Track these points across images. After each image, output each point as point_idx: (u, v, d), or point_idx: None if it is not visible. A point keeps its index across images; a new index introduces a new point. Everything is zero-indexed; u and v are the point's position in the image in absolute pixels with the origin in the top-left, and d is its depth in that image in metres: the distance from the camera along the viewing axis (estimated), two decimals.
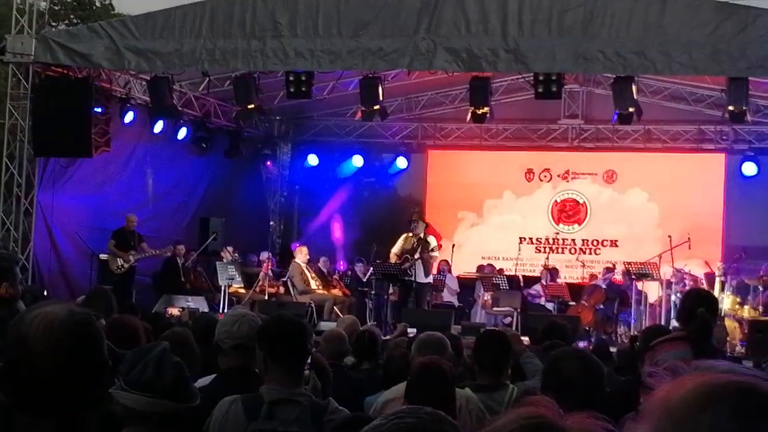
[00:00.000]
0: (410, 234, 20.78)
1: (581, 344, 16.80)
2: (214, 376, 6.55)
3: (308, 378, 5.56)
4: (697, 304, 7.11)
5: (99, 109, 19.65)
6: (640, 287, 21.04)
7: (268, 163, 26.69)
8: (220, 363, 6.17)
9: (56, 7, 39.84)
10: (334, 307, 21.18)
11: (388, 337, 13.78)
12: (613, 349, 14.31)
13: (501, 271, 23.59)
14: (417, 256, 20.37)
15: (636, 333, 19.44)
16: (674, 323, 17.67)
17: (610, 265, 23.86)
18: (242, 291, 21.90)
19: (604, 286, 22.30)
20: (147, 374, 4.19)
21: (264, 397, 4.98)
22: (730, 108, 18.73)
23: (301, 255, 22.61)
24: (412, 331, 14.43)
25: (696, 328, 6.88)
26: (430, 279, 21.18)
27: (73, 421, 2.73)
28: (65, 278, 20.76)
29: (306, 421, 4.84)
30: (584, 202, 25.89)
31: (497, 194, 26.26)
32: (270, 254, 23.84)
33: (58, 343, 2.72)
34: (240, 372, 5.72)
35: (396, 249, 20.91)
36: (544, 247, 25.58)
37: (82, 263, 20.91)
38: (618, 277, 22.97)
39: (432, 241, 20.85)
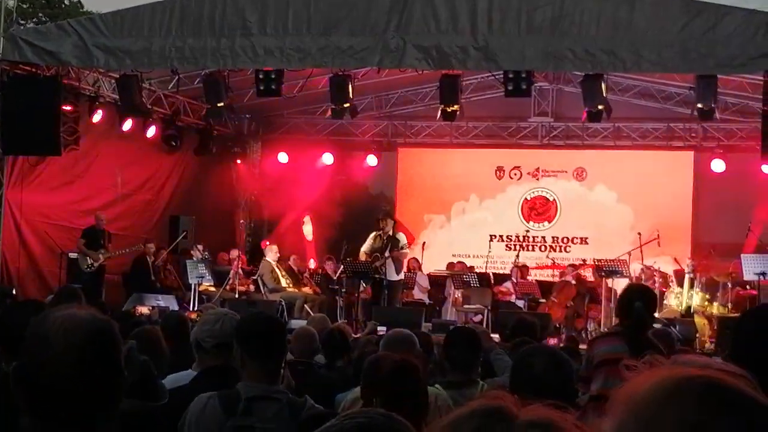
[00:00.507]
0: (379, 232, 20.76)
1: (551, 341, 16.88)
2: (188, 372, 6.56)
3: (282, 376, 5.56)
4: (634, 299, 7.17)
5: (68, 107, 19.59)
6: (609, 284, 21.11)
7: (238, 161, 26.63)
8: (199, 362, 6.16)
9: (24, 5, 39.70)
10: (305, 305, 21.17)
11: (358, 335, 13.79)
12: (583, 346, 14.35)
13: (471, 268, 23.62)
14: (387, 254, 20.36)
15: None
16: None
17: (578, 262, 23.94)
18: (212, 289, 21.87)
19: (573, 282, 22.36)
20: None
21: (241, 393, 4.97)
22: (699, 105, 18.80)
23: (272, 253, 22.58)
24: (381, 329, 14.43)
25: (632, 323, 6.95)
26: (401, 276, 21.18)
27: (79, 425, 2.71)
28: (34, 277, 20.68)
29: (284, 418, 4.84)
30: (554, 199, 25.95)
31: (467, 193, 26.28)
32: (240, 252, 23.81)
33: (79, 349, 2.69)
34: (221, 370, 5.72)
35: (365, 248, 20.88)
36: (515, 245, 25.62)
37: (52, 262, 20.84)
38: (587, 274, 23.04)
39: (402, 238, 20.83)
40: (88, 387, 2.68)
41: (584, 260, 23.79)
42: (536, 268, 25.12)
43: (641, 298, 7.21)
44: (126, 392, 4.14)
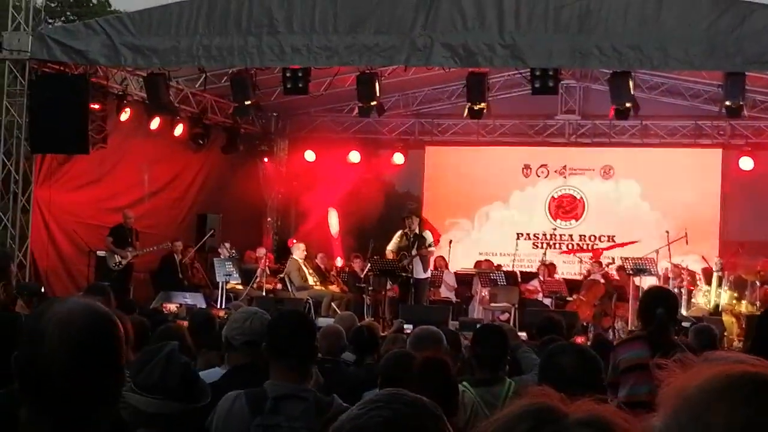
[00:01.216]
0: (406, 230, 20.74)
1: (579, 339, 16.82)
2: (215, 370, 6.58)
3: (310, 374, 5.56)
4: (657, 304, 7.15)
5: (96, 106, 19.66)
6: (637, 282, 21.04)
7: (265, 159, 26.67)
8: (228, 359, 6.17)
9: (53, 4, 39.89)
10: (332, 304, 21.17)
11: (384, 333, 13.78)
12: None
13: (499, 266, 23.59)
14: (414, 252, 20.34)
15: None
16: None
17: (608, 260, 23.87)
18: (240, 287, 21.91)
19: (602, 281, 22.28)
20: (155, 376, 4.18)
21: (268, 392, 4.97)
22: (727, 103, 18.75)
23: (299, 251, 22.61)
24: (408, 327, 14.42)
25: (654, 329, 6.93)
26: (428, 274, 21.16)
27: (74, 421, 2.70)
28: (63, 275, 20.76)
29: (311, 417, 4.83)
30: (581, 197, 25.89)
31: (494, 192, 26.22)
32: (267, 250, 23.84)
33: (74, 344, 2.67)
34: (250, 368, 5.73)
35: (391, 246, 20.88)
36: (542, 243, 25.58)
37: (80, 260, 20.91)
38: (614, 272, 22.98)
39: (428, 236, 20.83)
40: (84, 383, 2.67)
41: (608, 261, 23.65)
42: (566, 252, 25.05)
43: (663, 304, 7.19)
44: (169, 395, 4.16)
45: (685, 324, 16.79)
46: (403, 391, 2.20)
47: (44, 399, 2.67)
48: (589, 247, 25.51)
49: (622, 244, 24.88)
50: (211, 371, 6.57)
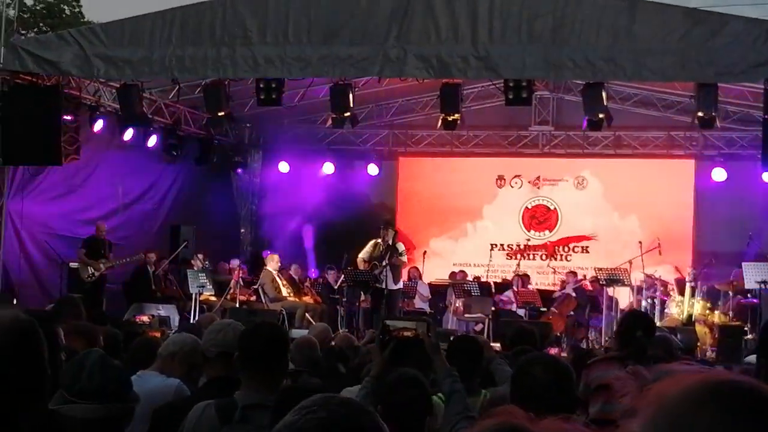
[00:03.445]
0: (379, 240, 20.76)
1: (552, 351, 16.85)
2: (172, 380, 6.61)
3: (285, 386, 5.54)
4: (637, 327, 7.19)
5: (68, 117, 19.57)
6: (611, 293, 21.10)
7: (239, 170, 26.64)
8: (205, 372, 6.15)
9: (25, 15, 39.67)
10: (306, 315, 21.15)
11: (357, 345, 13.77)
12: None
13: (477, 278, 23.61)
14: (385, 262, 20.34)
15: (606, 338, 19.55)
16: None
17: (574, 270, 23.90)
18: (213, 299, 21.86)
19: (573, 294, 22.31)
20: (95, 382, 4.17)
21: (238, 401, 4.97)
22: (700, 114, 18.81)
23: (273, 262, 22.58)
24: None
25: (632, 352, 6.97)
26: (400, 285, 21.17)
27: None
28: (36, 287, 20.67)
29: None
30: (555, 208, 25.97)
31: (468, 203, 26.25)
32: (241, 262, 23.79)
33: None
34: (225, 380, 5.67)
35: (363, 255, 20.91)
36: (515, 254, 25.64)
37: (53, 271, 20.84)
38: (587, 283, 23.03)
39: (400, 247, 20.83)
40: (8, 386, 2.66)
41: (574, 273, 23.67)
42: (539, 274, 25.12)
43: (642, 326, 7.24)
44: (108, 399, 4.16)
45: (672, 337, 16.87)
46: (335, 395, 2.26)
47: None
48: (563, 258, 25.59)
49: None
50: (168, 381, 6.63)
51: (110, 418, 4.20)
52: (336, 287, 22.78)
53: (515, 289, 22.88)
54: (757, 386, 1.58)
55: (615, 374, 6.52)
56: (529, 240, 25.74)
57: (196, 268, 22.10)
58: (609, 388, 6.51)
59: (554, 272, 24.88)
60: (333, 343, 11.36)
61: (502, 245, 25.87)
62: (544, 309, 22.16)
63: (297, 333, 15.73)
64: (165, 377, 6.78)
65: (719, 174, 23.82)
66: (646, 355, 7.04)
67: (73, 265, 20.70)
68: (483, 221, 26.30)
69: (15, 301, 18.45)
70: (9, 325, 2.74)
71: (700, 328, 19.98)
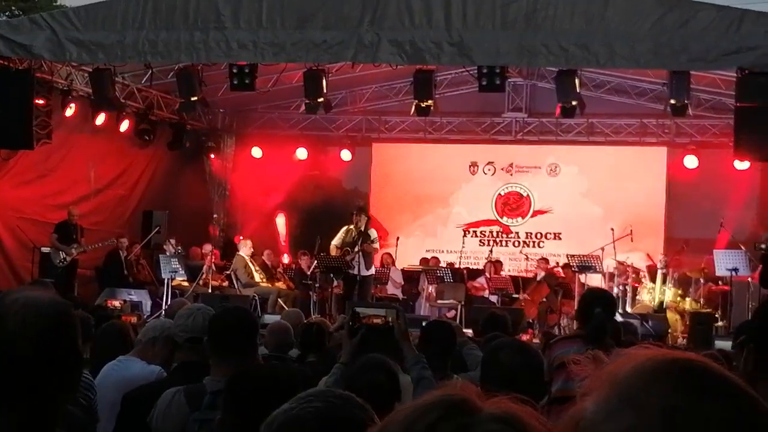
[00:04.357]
0: (351, 226, 20.75)
1: (524, 337, 16.90)
2: (150, 367, 6.58)
3: None
4: (595, 304, 7.21)
5: (40, 101, 19.46)
6: (582, 280, 21.15)
7: (212, 155, 26.57)
8: (176, 357, 6.12)
9: None
10: (279, 300, 21.17)
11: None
12: None
13: (451, 264, 23.63)
14: (357, 248, 20.34)
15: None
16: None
17: (551, 256, 23.97)
18: (186, 284, 21.82)
19: (545, 283, 22.35)
20: None
21: (207, 387, 4.96)
22: (672, 102, 18.89)
23: (245, 248, 22.59)
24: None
25: (592, 328, 6.98)
26: (372, 271, 21.16)
27: (36, 410, 2.67)
28: (7, 271, 20.59)
29: None
30: (528, 195, 26.01)
31: (440, 189, 26.29)
32: (213, 247, 23.74)
33: (36, 326, 2.65)
34: (196, 366, 5.61)
35: (336, 241, 20.91)
36: (488, 240, 25.68)
37: (24, 256, 20.77)
38: (559, 269, 23.09)
39: (373, 233, 20.81)
40: (45, 367, 2.65)
41: (556, 263, 23.73)
42: (511, 260, 25.18)
43: (601, 304, 7.25)
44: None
45: (633, 321, 16.98)
46: (333, 389, 2.31)
47: (5, 382, 2.64)
48: (535, 245, 25.66)
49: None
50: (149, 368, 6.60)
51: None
52: (309, 273, 22.76)
53: (488, 275, 22.90)
54: (707, 364, 1.58)
55: (574, 353, 6.51)
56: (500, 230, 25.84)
57: (168, 254, 22.05)
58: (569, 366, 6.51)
59: (527, 259, 24.91)
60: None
61: (474, 232, 25.88)
62: (517, 295, 22.22)
63: (270, 318, 15.74)
64: (146, 363, 6.75)
65: (691, 161, 23.89)
66: (606, 331, 7.05)
67: (45, 249, 20.63)
68: (456, 207, 26.32)
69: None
70: (47, 304, 2.72)
71: (671, 315, 20.08)
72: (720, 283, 20.82)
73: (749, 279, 19.48)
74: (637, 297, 21.49)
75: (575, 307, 20.52)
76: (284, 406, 2.21)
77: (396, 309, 6.23)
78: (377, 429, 1.65)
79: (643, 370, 1.57)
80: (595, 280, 21.85)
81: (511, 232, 25.98)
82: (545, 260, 23.34)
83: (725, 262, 19.71)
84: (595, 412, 1.57)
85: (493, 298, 22.17)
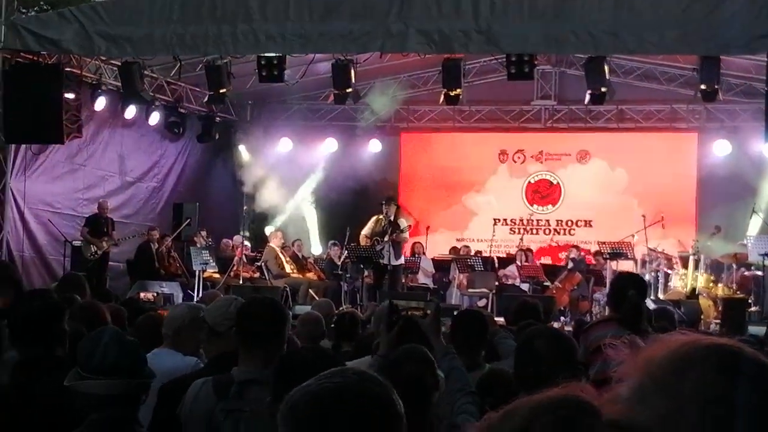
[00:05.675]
0: (381, 216, 20.74)
1: (556, 324, 16.85)
2: (189, 358, 6.58)
3: None
4: (628, 287, 7.15)
5: (70, 95, 19.55)
6: (614, 267, 21.08)
7: (241, 147, 26.60)
8: (210, 347, 6.08)
9: None
10: (309, 291, 21.20)
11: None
12: None
13: (478, 252, 23.61)
14: (387, 238, 20.33)
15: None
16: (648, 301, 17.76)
17: (577, 244, 23.93)
18: (217, 276, 21.89)
19: (576, 271, 22.29)
20: (111, 357, 4.18)
21: (234, 377, 4.96)
22: (702, 87, 18.82)
23: (276, 239, 22.64)
24: None
25: (627, 310, 6.91)
26: (401, 261, 21.14)
27: None
28: (39, 265, 20.71)
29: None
30: (558, 182, 25.95)
31: (471, 178, 26.27)
32: (244, 239, 23.78)
33: None
34: (232, 358, 5.58)
35: (366, 231, 20.90)
36: (519, 229, 25.64)
37: (56, 250, 20.87)
38: (591, 257, 23.05)
39: (402, 223, 20.77)
40: None
41: (588, 250, 23.67)
42: (540, 251, 25.15)
43: (634, 286, 7.20)
44: (125, 374, 4.17)
45: (669, 307, 16.89)
46: (353, 368, 2.34)
47: None
48: (566, 233, 25.60)
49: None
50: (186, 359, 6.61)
51: (127, 394, 4.21)
52: (339, 263, 22.79)
53: (519, 263, 22.86)
54: (741, 348, 1.58)
55: (612, 335, 6.46)
56: (532, 215, 25.77)
57: (199, 246, 22.13)
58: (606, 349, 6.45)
59: (558, 247, 24.86)
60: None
61: (505, 220, 25.85)
62: (548, 283, 22.18)
63: (300, 309, 15.77)
64: (182, 355, 6.75)
65: (722, 147, 23.76)
66: (642, 313, 6.99)
67: (77, 243, 20.72)
68: (486, 196, 26.28)
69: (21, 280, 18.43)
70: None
71: (703, 301, 20.00)
72: (753, 268, 20.71)
73: None
74: (669, 283, 21.42)
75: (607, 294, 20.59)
76: (305, 383, 2.23)
77: (436, 303, 6.23)
78: (499, 416, 1.63)
79: (678, 355, 1.57)
80: (626, 267, 21.76)
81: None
82: (576, 247, 23.30)
83: (758, 246, 19.61)
84: (630, 399, 1.57)
85: (524, 287, 22.13)
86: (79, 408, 4.21)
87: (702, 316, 18.96)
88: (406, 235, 21.30)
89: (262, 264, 22.41)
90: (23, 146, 19.73)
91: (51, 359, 5.31)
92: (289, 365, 4.15)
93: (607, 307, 20.31)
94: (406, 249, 22.25)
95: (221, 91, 20.18)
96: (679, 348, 1.58)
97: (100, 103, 21.03)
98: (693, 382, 1.52)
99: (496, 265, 22.91)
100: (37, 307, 5.88)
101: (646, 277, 20.71)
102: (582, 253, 23.16)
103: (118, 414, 4.16)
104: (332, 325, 9.81)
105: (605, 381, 1.66)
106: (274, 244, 22.48)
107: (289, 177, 25.99)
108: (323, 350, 5.98)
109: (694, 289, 20.61)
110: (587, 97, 20.23)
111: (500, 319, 12.77)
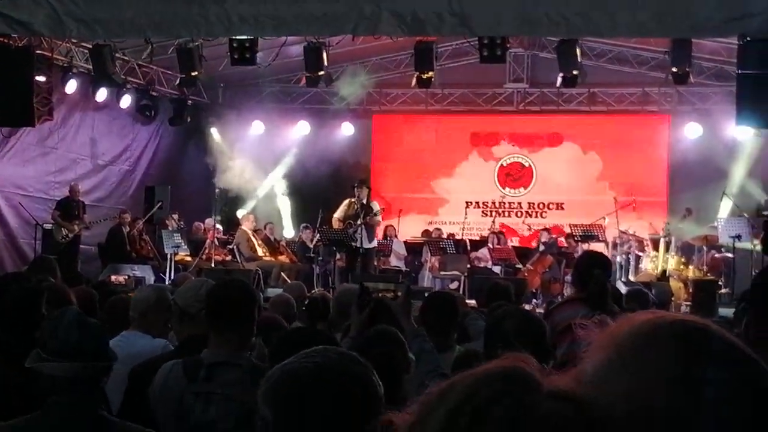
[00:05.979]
0: (353, 199, 20.73)
1: (528, 306, 16.89)
2: (159, 341, 6.57)
3: (254, 344, 5.50)
4: (593, 266, 7.16)
5: (41, 78, 19.43)
6: (586, 248, 21.14)
7: (213, 130, 26.51)
8: (182, 330, 6.06)
9: None
10: (281, 274, 21.19)
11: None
12: None
13: (451, 235, 23.64)
14: (360, 221, 20.33)
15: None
16: (619, 283, 17.85)
17: (549, 227, 23.98)
18: (188, 259, 21.85)
19: (548, 253, 22.34)
20: (72, 339, 4.15)
21: (204, 360, 4.95)
22: (674, 70, 18.87)
23: (248, 222, 22.61)
24: None
25: (593, 289, 6.91)
26: (374, 244, 21.16)
27: None
28: (10, 248, 20.63)
29: (246, 385, 4.80)
30: (530, 165, 26.01)
31: (442, 161, 26.28)
32: (216, 222, 23.73)
33: None
34: (202, 340, 5.56)
35: (338, 214, 20.90)
36: (491, 211, 25.68)
37: (27, 233, 20.79)
38: (562, 239, 23.09)
39: (375, 206, 20.79)
40: None
41: (558, 233, 23.73)
42: (510, 233, 25.19)
43: (599, 265, 7.21)
44: (88, 357, 4.15)
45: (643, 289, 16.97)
46: (335, 347, 2.36)
47: None
48: (538, 215, 25.66)
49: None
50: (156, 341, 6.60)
51: (88, 376, 4.18)
52: (311, 246, 22.78)
53: (491, 246, 22.89)
54: (708, 324, 1.58)
55: (581, 316, 6.46)
56: (504, 197, 25.81)
57: (170, 228, 22.08)
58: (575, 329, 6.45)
59: (529, 229, 24.93)
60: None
61: (477, 203, 25.89)
62: (520, 266, 22.22)
63: (272, 292, 15.75)
64: (151, 337, 6.74)
65: (694, 130, 23.85)
66: (607, 291, 6.99)
67: (48, 226, 20.64)
68: (458, 179, 26.30)
69: None
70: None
71: (674, 283, 20.09)
72: (723, 250, 20.82)
73: (752, 244, 19.43)
74: (640, 265, 21.52)
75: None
76: (286, 361, 2.24)
77: (407, 285, 6.24)
78: (435, 393, 1.61)
79: (644, 331, 1.57)
80: (598, 250, 21.85)
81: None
82: (548, 230, 23.35)
83: (728, 229, 19.73)
84: (594, 376, 1.57)
85: (497, 269, 22.17)
86: (39, 391, 4.18)
87: (673, 298, 19.03)
88: (379, 218, 21.31)
89: (234, 247, 22.39)
90: None
91: (29, 344, 5.30)
92: (286, 346, 4.15)
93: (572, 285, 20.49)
94: (379, 232, 22.25)
95: (193, 74, 20.11)
96: (644, 324, 1.58)
97: (71, 86, 20.93)
98: (658, 358, 1.53)
99: (468, 247, 22.94)
100: (14, 291, 5.86)
101: (618, 260, 20.83)
102: (554, 236, 23.19)
103: (78, 397, 4.13)
104: (303, 308, 9.80)
105: (573, 361, 1.66)
106: (246, 227, 22.45)
107: (261, 160, 25.93)
108: (319, 331, 5.99)
109: (664, 271, 20.71)
110: (559, 80, 20.27)
111: (472, 302, 12.81)
